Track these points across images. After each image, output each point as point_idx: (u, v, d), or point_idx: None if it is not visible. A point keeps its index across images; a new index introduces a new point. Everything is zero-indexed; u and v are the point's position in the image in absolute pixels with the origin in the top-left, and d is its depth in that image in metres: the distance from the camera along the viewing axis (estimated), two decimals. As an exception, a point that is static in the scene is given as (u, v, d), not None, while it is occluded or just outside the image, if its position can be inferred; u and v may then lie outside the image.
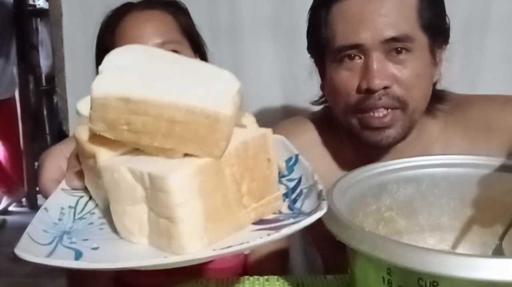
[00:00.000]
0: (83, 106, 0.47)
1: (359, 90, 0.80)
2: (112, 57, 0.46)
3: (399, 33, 0.78)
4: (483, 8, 1.35)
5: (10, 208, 3.39)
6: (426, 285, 0.42)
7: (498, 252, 0.59)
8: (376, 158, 0.83)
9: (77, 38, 1.51)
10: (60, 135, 3.87)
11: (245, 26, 1.39)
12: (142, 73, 0.44)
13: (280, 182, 0.49)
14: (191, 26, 1.11)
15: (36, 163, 3.72)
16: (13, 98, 3.42)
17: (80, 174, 0.52)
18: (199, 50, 1.12)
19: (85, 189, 0.52)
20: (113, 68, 0.44)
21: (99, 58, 1.13)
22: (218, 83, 0.44)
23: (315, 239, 1.04)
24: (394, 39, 0.78)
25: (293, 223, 0.41)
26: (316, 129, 0.95)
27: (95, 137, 0.44)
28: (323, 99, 0.96)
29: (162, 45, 1.02)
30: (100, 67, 0.44)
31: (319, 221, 0.53)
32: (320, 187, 0.45)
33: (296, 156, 0.54)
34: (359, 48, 0.79)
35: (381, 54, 0.78)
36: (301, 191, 0.48)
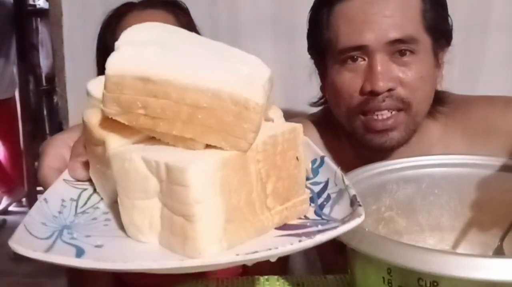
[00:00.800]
0: (95, 86, 0.42)
1: (362, 92, 0.79)
2: (130, 33, 0.41)
3: (404, 34, 0.77)
4: (483, 9, 1.35)
5: (10, 208, 3.39)
6: (426, 285, 0.42)
7: (499, 253, 0.59)
8: (376, 160, 0.84)
9: (77, 38, 1.51)
10: (60, 135, 3.85)
11: (245, 26, 1.39)
12: (163, 50, 0.38)
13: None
14: (191, 25, 1.11)
15: (36, 163, 3.73)
16: (13, 98, 3.42)
17: (85, 164, 0.48)
18: None
19: (89, 182, 0.48)
20: (131, 44, 0.39)
21: (99, 58, 1.13)
22: (247, 67, 0.40)
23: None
24: (398, 41, 0.77)
25: (326, 229, 0.37)
26: (316, 131, 0.95)
27: (106, 122, 0.40)
28: (322, 100, 0.95)
29: None
30: (117, 43, 0.39)
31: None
32: (353, 192, 0.41)
33: (322, 158, 0.49)
34: (363, 50, 0.78)
35: (385, 56, 0.78)
36: (328, 196, 0.43)
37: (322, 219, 0.40)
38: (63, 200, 0.44)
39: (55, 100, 3.68)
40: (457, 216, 0.66)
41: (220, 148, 0.37)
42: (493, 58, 1.36)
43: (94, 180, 0.47)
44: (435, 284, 0.41)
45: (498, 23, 1.36)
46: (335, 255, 0.56)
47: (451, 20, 0.85)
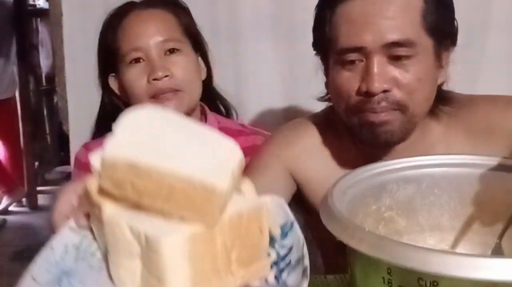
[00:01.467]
0: (96, 160, 0.49)
1: (359, 93, 0.80)
2: (127, 119, 0.48)
3: (402, 37, 0.77)
4: (483, 9, 1.35)
5: (10, 208, 3.39)
6: (426, 285, 0.42)
7: (497, 251, 0.59)
8: (378, 158, 0.83)
9: (77, 38, 1.51)
10: (60, 135, 3.87)
11: (245, 26, 1.39)
12: (151, 139, 0.47)
13: (272, 246, 0.50)
14: (192, 25, 1.12)
15: (36, 163, 3.72)
16: (13, 98, 3.42)
17: (88, 214, 0.54)
18: (200, 49, 1.13)
19: (91, 229, 0.54)
20: (125, 131, 0.47)
21: (100, 57, 1.13)
22: (221, 153, 0.47)
23: (315, 238, 1.04)
24: (396, 44, 0.77)
25: None
26: (317, 131, 0.95)
27: (102, 191, 0.48)
28: (328, 96, 0.96)
29: (163, 43, 1.03)
30: (114, 127, 0.47)
31: (320, 220, 0.53)
32: (306, 262, 0.45)
33: (292, 223, 0.52)
34: (361, 51, 0.79)
35: (383, 57, 0.78)
36: (290, 262, 0.48)
37: (279, 284, 0.46)
38: (66, 246, 0.52)
39: (55, 100, 3.68)
40: (457, 216, 0.66)
41: (193, 221, 0.43)
42: (493, 58, 1.36)
43: (93, 229, 0.53)
44: (435, 284, 0.41)
45: (498, 23, 1.36)
46: (336, 255, 0.56)
47: (457, 21, 0.85)
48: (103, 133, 1.13)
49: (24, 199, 3.49)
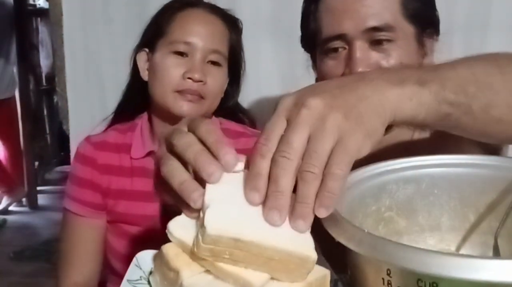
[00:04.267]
0: (175, 228, 0.50)
1: None
2: (213, 190, 0.49)
3: (381, 22, 0.80)
4: (483, 9, 1.35)
5: (10, 208, 3.40)
6: (426, 286, 0.42)
7: (495, 250, 0.59)
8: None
9: (77, 38, 1.51)
10: (60, 135, 3.87)
11: (245, 26, 1.39)
12: (243, 209, 0.49)
13: None
14: (239, 46, 1.16)
15: (36, 163, 3.73)
16: (13, 98, 3.43)
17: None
18: (235, 72, 1.16)
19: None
20: (218, 202, 0.48)
21: (146, 34, 1.13)
22: None
23: (315, 239, 1.05)
24: (375, 29, 0.80)
25: None
26: None
27: (181, 256, 0.50)
28: None
29: (211, 52, 1.06)
30: (206, 200, 0.48)
31: (319, 221, 0.53)
32: None
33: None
34: (343, 38, 0.82)
35: (364, 43, 0.81)
36: None
37: None
38: None
39: (55, 100, 3.69)
40: (457, 216, 0.66)
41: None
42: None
43: None
44: (435, 285, 0.41)
45: (498, 23, 1.36)
46: (336, 255, 0.56)
47: (438, 11, 0.88)
48: (123, 117, 1.15)
49: (24, 199, 3.50)
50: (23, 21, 3.46)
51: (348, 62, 0.81)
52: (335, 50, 0.83)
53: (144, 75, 1.10)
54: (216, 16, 1.10)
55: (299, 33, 1.37)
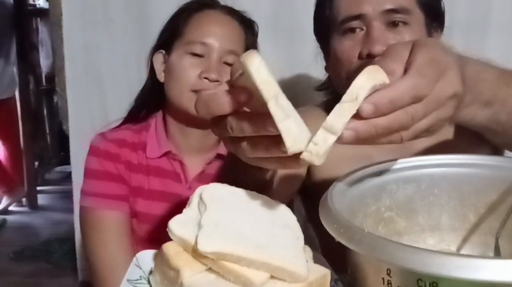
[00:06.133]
0: (175, 226, 0.52)
1: (360, 57, 0.86)
2: (210, 212, 0.52)
3: (398, 5, 0.86)
4: (483, 9, 1.35)
5: (10, 208, 3.39)
6: (426, 286, 0.42)
7: (496, 250, 0.59)
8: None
9: (77, 38, 1.51)
10: (60, 135, 3.86)
11: (245, 26, 1.39)
12: (238, 223, 0.52)
13: None
14: (254, 47, 1.14)
15: (36, 163, 3.72)
16: (13, 98, 3.42)
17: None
18: None
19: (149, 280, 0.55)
20: (213, 217, 0.52)
21: (163, 35, 1.14)
22: (288, 232, 0.54)
23: (315, 231, 1.06)
24: (393, 11, 0.85)
25: None
26: (320, 117, 0.96)
27: (182, 255, 0.51)
28: (327, 85, 1.01)
29: (227, 53, 1.06)
30: (202, 222, 0.51)
31: (320, 221, 0.53)
32: None
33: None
34: (361, 19, 0.86)
35: (382, 25, 0.86)
36: None
37: None
38: None
39: (55, 100, 3.69)
40: (457, 216, 0.66)
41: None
42: (493, 58, 1.36)
43: None
44: (435, 285, 0.41)
45: (498, 23, 1.36)
46: (337, 254, 0.56)
47: (444, 5, 0.93)
48: (137, 117, 1.15)
49: (24, 199, 3.50)
50: (23, 21, 3.45)
51: (366, 41, 0.85)
52: (353, 30, 0.88)
53: (161, 76, 1.11)
54: (233, 18, 1.10)
55: (299, 33, 1.38)
